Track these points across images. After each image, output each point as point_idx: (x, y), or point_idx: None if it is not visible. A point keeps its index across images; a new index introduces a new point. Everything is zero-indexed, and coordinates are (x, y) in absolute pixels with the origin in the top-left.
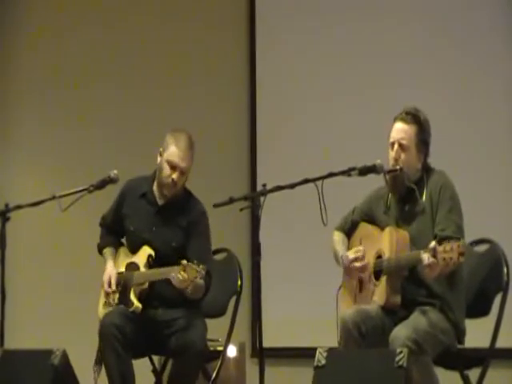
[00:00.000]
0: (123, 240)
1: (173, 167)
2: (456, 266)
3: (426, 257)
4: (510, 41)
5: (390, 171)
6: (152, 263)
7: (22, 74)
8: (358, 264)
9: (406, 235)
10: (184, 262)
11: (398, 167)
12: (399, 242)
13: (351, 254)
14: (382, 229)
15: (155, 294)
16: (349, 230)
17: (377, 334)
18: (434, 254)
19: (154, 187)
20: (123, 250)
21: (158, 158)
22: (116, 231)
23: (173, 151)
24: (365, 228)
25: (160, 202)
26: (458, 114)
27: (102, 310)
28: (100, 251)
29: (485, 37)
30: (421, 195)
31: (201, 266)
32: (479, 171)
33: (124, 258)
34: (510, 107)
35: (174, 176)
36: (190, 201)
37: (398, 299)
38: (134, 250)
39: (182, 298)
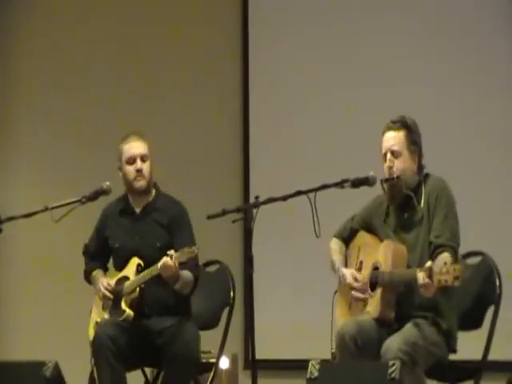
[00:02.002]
0: (109, 265)
1: (132, 161)
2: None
3: (421, 276)
4: (510, 40)
5: (386, 180)
6: (141, 271)
7: (20, 88)
8: (354, 293)
9: (404, 249)
10: (171, 251)
11: (394, 176)
12: (396, 256)
13: (349, 277)
14: (381, 239)
15: (147, 302)
16: (347, 238)
17: (372, 346)
18: (430, 274)
19: (130, 200)
20: (109, 274)
21: (120, 173)
22: (100, 257)
23: (125, 150)
24: (364, 237)
25: (138, 210)
26: (459, 115)
27: (92, 332)
28: (87, 277)
29: (485, 36)
30: (419, 202)
31: (193, 247)
32: (474, 182)
33: (112, 279)
34: (510, 108)
35: (138, 165)
36: (168, 200)
37: (391, 314)
38: (122, 266)
39: (174, 302)
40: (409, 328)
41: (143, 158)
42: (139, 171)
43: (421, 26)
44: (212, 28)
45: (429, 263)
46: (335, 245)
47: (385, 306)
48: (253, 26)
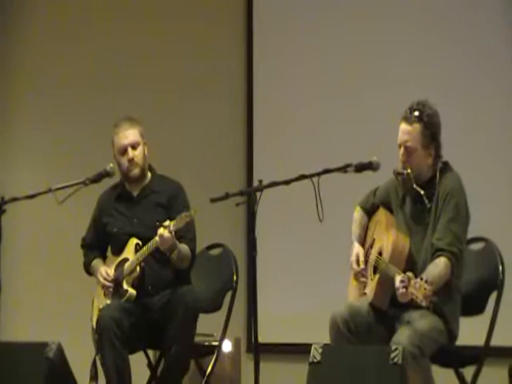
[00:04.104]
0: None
1: (123, 151)
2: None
3: (397, 279)
4: (510, 39)
5: (398, 174)
6: (140, 249)
7: (21, 72)
8: (354, 266)
9: (405, 245)
10: (166, 222)
11: (404, 171)
12: (395, 250)
13: (353, 256)
14: (393, 224)
15: (148, 280)
16: (369, 210)
17: (364, 331)
18: (406, 284)
19: (126, 185)
20: (108, 260)
21: (115, 161)
22: (98, 246)
23: (116, 140)
24: (381, 214)
25: (135, 193)
26: (459, 112)
27: (95, 320)
28: (87, 268)
29: (485, 36)
30: (430, 198)
31: (189, 211)
32: (479, 170)
33: (112, 263)
34: (510, 106)
35: (129, 155)
36: (164, 181)
37: (384, 304)
38: (121, 251)
39: (174, 278)
40: (414, 321)
41: (134, 146)
42: (131, 161)
43: (421, 26)
44: (215, 16)
45: (409, 273)
46: (357, 214)
47: (378, 294)
48: (257, 11)
